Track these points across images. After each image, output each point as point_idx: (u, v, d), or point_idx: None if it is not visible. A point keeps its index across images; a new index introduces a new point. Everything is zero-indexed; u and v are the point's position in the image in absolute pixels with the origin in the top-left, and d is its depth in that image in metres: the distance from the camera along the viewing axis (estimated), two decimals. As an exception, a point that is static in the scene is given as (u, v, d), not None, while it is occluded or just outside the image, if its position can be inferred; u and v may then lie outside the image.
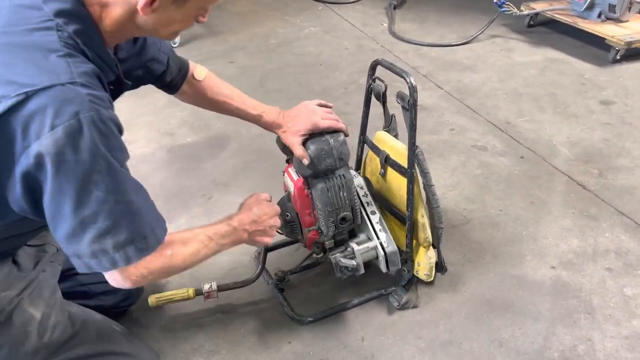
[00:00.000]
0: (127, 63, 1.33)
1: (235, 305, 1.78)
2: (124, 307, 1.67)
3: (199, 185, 2.36)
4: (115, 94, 1.20)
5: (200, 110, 2.89)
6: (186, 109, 2.95)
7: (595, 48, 3.65)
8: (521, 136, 2.72)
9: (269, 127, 1.59)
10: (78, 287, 1.54)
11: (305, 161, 1.49)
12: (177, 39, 3.79)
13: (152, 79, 1.45)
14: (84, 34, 1.01)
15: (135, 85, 1.41)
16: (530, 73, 3.40)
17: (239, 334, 1.67)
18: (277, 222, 1.48)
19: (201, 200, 2.27)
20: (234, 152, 2.61)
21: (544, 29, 4.07)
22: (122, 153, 1.04)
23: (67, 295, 1.43)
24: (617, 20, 3.64)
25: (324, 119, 1.51)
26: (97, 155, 0.97)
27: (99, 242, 1.03)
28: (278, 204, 1.72)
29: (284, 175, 1.71)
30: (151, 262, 1.13)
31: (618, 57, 3.48)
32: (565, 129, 2.78)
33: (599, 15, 3.63)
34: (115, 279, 1.12)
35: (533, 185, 2.35)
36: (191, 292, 1.65)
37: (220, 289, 1.67)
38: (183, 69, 1.53)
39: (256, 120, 1.60)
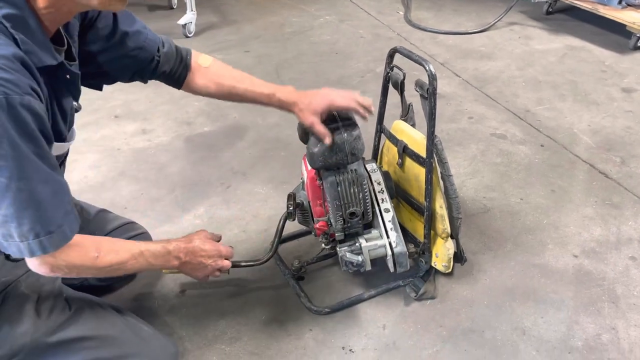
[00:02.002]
0: (107, 54, 1.36)
1: (256, 293, 1.79)
2: None
3: (217, 175, 2.36)
4: (71, 81, 1.20)
5: (217, 99, 2.93)
6: (203, 99, 2.94)
7: (616, 35, 3.59)
8: (541, 124, 2.68)
9: (284, 105, 1.52)
10: None
11: (328, 140, 1.44)
12: (193, 29, 3.79)
13: (142, 65, 1.44)
14: (14, 18, 1.02)
15: (125, 76, 1.45)
16: (549, 61, 3.36)
17: (260, 322, 1.68)
18: (218, 263, 1.47)
19: (220, 189, 2.28)
20: (251, 142, 2.61)
21: (563, 16, 4.01)
22: (32, 142, 1.03)
23: None
24: (638, 7, 3.57)
25: (343, 97, 1.47)
26: (2, 138, 0.97)
27: (5, 228, 1.05)
28: (293, 190, 1.72)
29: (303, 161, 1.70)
30: (72, 258, 1.16)
31: (639, 44, 3.42)
32: (586, 117, 2.74)
33: (620, 2, 3.57)
34: (32, 263, 1.14)
35: (554, 174, 2.33)
36: None
37: (231, 265, 1.67)
38: (185, 58, 1.50)
39: (269, 99, 1.52)
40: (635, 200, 2.16)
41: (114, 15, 1.35)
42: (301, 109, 1.48)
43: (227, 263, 1.50)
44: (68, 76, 1.18)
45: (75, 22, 1.26)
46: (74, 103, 1.26)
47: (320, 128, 1.45)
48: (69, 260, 1.15)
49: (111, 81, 1.47)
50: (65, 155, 1.33)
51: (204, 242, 1.44)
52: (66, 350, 1.28)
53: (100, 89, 1.47)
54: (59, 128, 1.21)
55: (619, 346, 1.58)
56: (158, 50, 1.45)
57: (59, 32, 1.18)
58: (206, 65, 1.53)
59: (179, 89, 1.56)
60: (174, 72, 1.50)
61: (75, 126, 1.34)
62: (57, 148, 1.20)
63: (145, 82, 1.52)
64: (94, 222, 1.64)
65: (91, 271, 1.23)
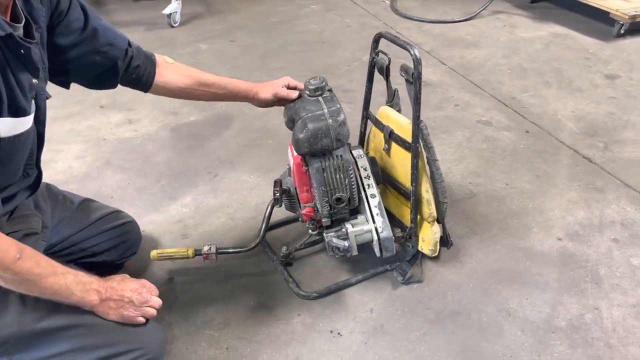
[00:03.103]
0: (78, 49, 1.39)
1: (244, 279, 1.79)
2: (126, 257, 1.74)
3: (204, 164, 2.36)
4: (25, 56, 1.18)
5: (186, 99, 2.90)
6: (189, 88, 2.93)
7: (600, 23, 3.62)
8: (526, 111, 2.71)
9: (243, 93, 1.64)
10: (82, 252, 1.61)
11: (294, 94, 1.58)
12: (178, 19, 3.76)
13: (111, 63, 1.47)
14: None
15: (93, 74, 1.46)
16: (534, 48, 3.38)
17: (249, 307, 1.68)
18: (144, 296, 1.33)
19: (207, 178, 2.27)
20: (237, 131, 2.60)
21: (548, 4, 4.04)
22: None
23: (76, 259, 1.56)
24: (622, -6, 3.60)
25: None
26: None
27: None
28: (280, 177, 1.72)
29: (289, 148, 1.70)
30: None
31: (622, 32, 3.46)
32: (570, 104, 2.77)
33: (604, -11, 3.60)
34: None
35: (538, 159, 2.35)
36: (190, 252, 1.69)
37: (219, 252, 1.70)
38: (151, 57, 1.57)
39: (235, 85, 1.64)
40: (618, 184, 2.19)
41: (84, 9, 1.39)
42: (262, 86, 1.63)
43: (155, 299, 1.35)
44: (22, 51, 1.17)
45: (40, 7, 1.26)
46: (34, 80, 1.24)
47: (284, 90, 1.59)
48: None
49: (79, 80, 1.49)
50: (40, 135, 1.32)
51: (122, 278, 1.36)
52: (53, 338, 1.27)
53: (68, 87, 1.49)
54: (19, 103, 1.19)
55: (602, 325, 1.61)
56: (130, 45, 1.50)
57: (17, 11, 1.19)
58: (172, 62, 1.61)
59: (146, 91, 1.59)
60: (143, 70, 1.54)
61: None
62: (21, 123, 1.20)
63: (114, 85, 1.53)
64: (78, 211, 1.63)
65: (6, 275, 1.12)
